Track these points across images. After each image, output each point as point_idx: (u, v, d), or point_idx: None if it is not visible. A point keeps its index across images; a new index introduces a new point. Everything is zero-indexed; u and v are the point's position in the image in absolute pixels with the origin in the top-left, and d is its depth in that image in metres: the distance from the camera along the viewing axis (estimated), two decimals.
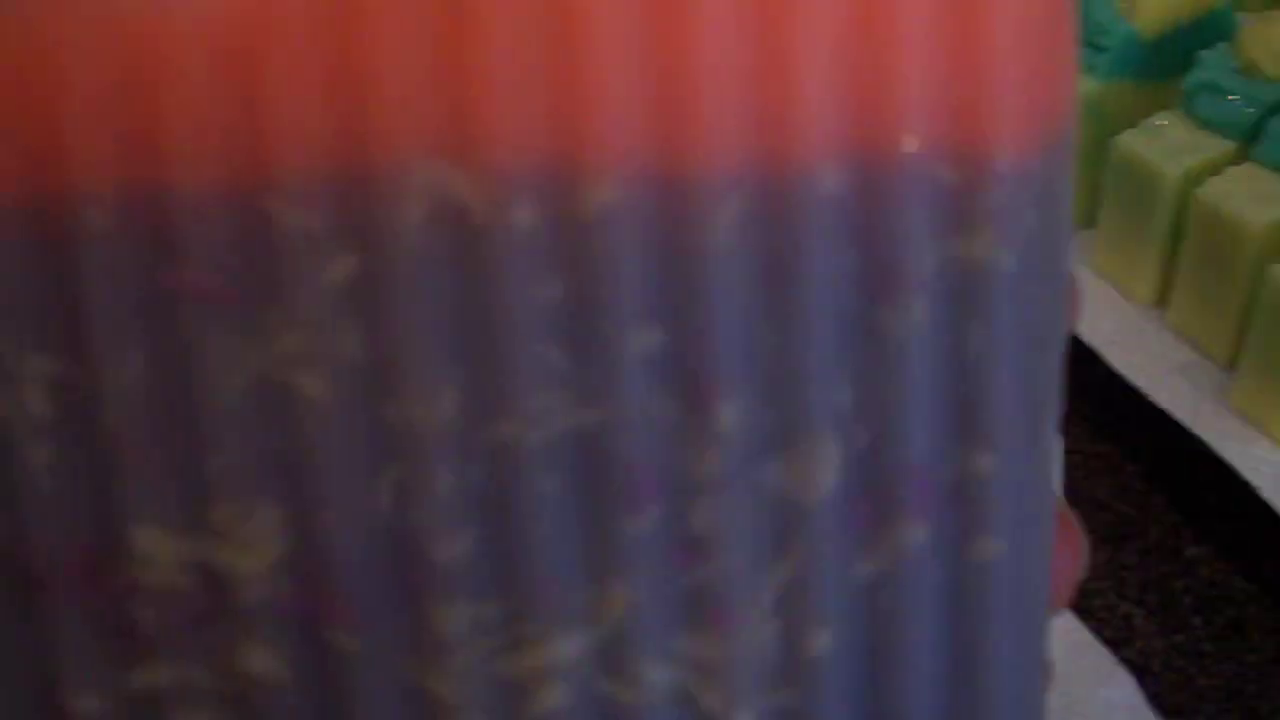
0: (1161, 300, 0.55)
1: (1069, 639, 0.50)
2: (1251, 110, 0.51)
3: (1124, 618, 0.63)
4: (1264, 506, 0.50)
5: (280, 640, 0.14)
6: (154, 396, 0.14)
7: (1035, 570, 0.16)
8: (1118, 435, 0.55)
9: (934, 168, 0.14)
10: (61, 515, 0.14)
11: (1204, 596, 0.64)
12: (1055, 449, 0.16)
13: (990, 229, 0.14)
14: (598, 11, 0.13)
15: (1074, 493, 0.53)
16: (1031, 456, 0.15)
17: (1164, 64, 0.56)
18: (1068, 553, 0.17)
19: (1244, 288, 0.50)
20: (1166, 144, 0.52)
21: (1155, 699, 0.51)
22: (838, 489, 0.15)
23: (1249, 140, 0.51)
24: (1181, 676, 0.58)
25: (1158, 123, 0.53)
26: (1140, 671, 0.55)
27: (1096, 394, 0.53)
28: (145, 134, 0.13)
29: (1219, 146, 0.52)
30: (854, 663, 0.15)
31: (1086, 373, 0.55)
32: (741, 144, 0.13)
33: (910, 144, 0.14)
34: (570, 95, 0.13)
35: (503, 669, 0.15)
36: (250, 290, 0.13)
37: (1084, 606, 0.63)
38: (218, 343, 0.13)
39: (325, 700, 0.15)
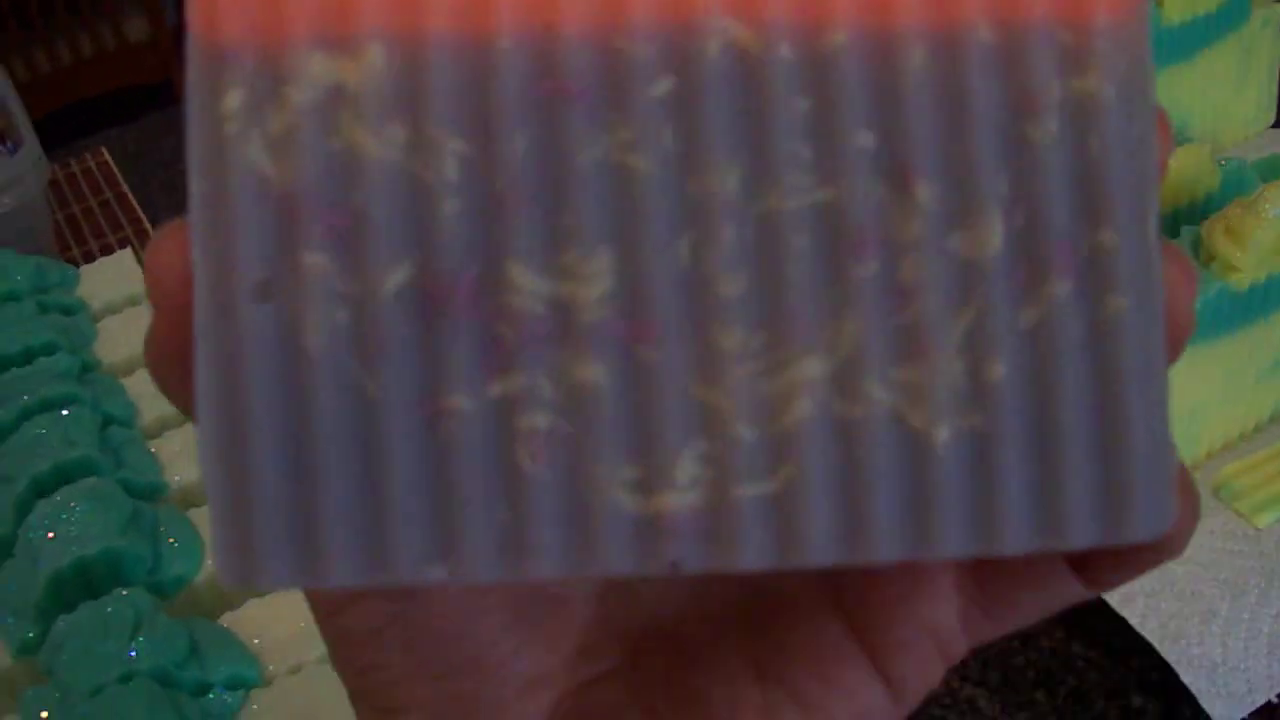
0: None
1: None
2: None
3: (967, 701, 0.62)
4: None
5: (604, 355, 0.19)
6: (530, 168, 0.19)
7: (1152, 319, 0.20)
8: None
9: (1054, 29, 0.20)
10: (459, 252, 0.19)
11: (1045, 669, 0.63)
12: (1156, 232, 0.20)
13: (1096, 70, 0.20)
14: None
15: None
16: (1141, 233, 0.20)
17: None
18: (1181, 280, 0.21)
19: None
20: None
21: None
22: (1003, 253, 0.20)
23: None
24: None
25: None
26: None
27: None
28: None
29: None
30: (1023, 391, 0.20)
31: None
32: (929, 11, 0.19)
33: (1038, 14, 0.20)
34: None
35: (763, 386, 0.20)
36: (602, 96, 0.19)
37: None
38: (577, 131, 0.19)
39: (633, 405, 0.20)
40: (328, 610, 0.23)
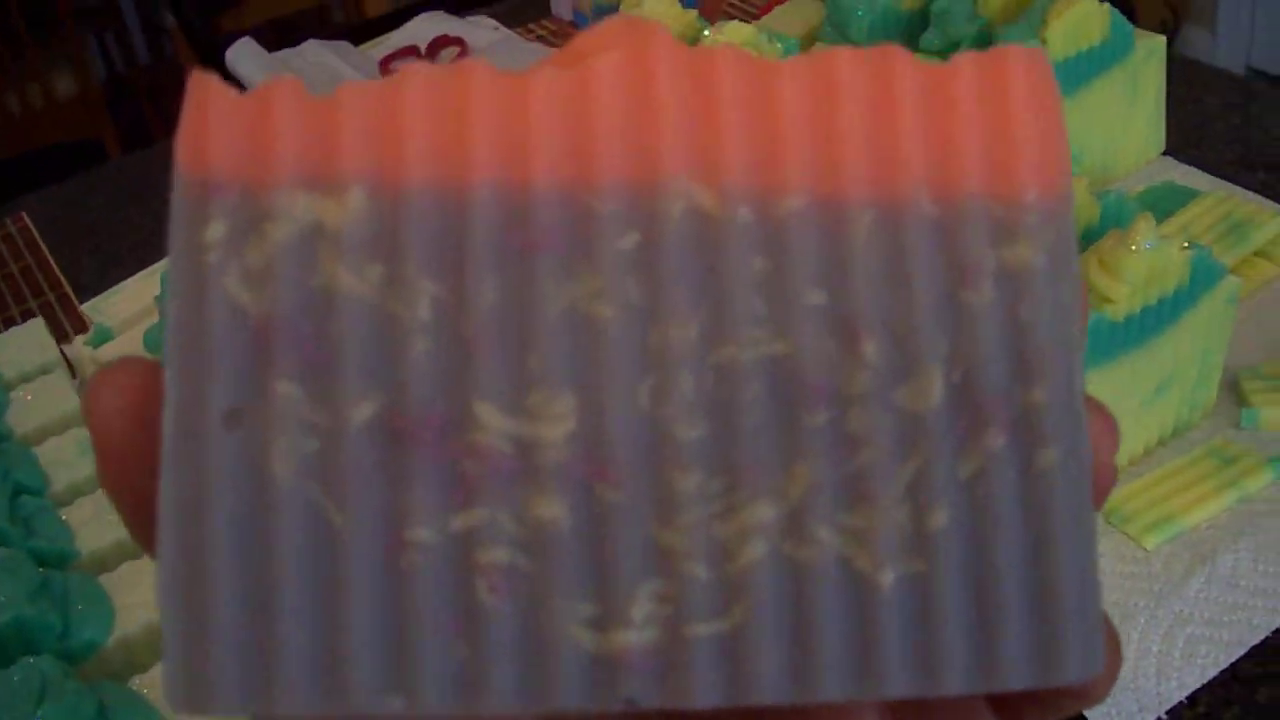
0: None
1: None
2: None
3: None
4: None
5: (565, 493, 0.20)
6: (499, 313, 0.20)
7: (1080, 471, 0.21)
8: None
9: (990, 205, 0.21)
10: (427, 389, 0.20)
11: None
12: (1081, 390, 0.21)
13: (1027, 240, 0.21)
14: (790, 108, 0.21)
15: None
16: (1068, 391, 0.21)
17: None
18: (1104, 433, 0.22)
19: None
20: None
21: None
22: (943, 408, 0.21)
23: None
24: None
25: None
26: None
27: None
28: (523, 150, 0.20)
29: None
30: (962, 539, 0.20)
31: None
32: (874, 183, 0.21)
33: (974, 190, 0.21)
34: (772, 148, 0.21)
35: (718, 528, 0.20)
36: (571, 248, 0.20)
37: None
38: (545, 280, 0.20)
39: (591, 543, 0.20)
40: None
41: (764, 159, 0.21)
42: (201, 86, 0.20)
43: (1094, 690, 0.22)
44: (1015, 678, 0.20)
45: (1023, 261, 0.21)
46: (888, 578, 0.20)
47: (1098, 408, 0.22)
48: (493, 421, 0.20)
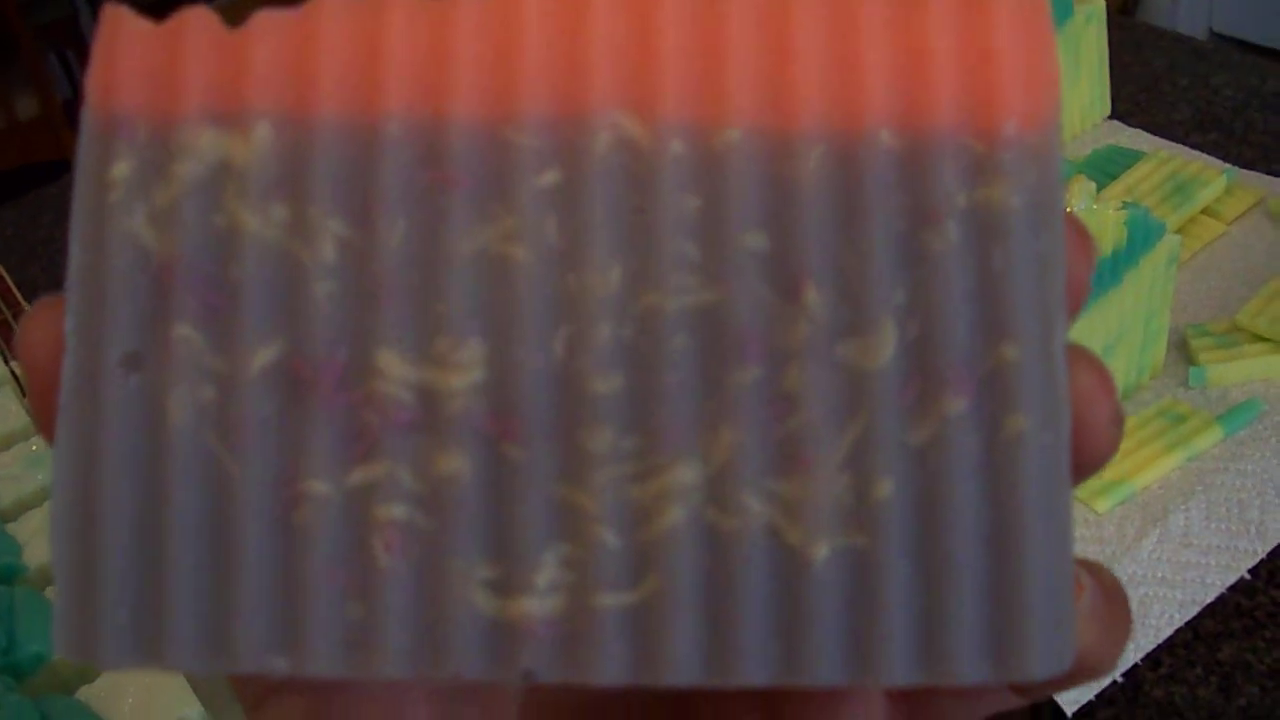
0: None
1: None
2: None
3: None
4: None
5: (468, 448, 0.19)
6: (408, 254, 0.19)
7: (1056, 443, 0.19)
8: None
9: (962, 137, 0.19)
10: (329, 335, 0.19)
11: None
12: (1062, 352, 0.19)
13: (1004, 181, 0.19)
14: (735, 31, 0.19)
15: None
16: (1046, 352, 0.19)
17: None
18: (1096, 392, 0.19)
19: None
20: None
21: None
22: (894, 366, 0.19)
23: None
24: None
25: None
26: None
27: None
28: (439, 82, 0.19)
29: None
30: (910, 513, 0.18)
31: None
32: (825, 111, 0.19)
33: (944, 121, 0.19)
34: (713, 76, 0.19)
35: (632, 491, 0.19)
36: (486, 186, 0.19)
37: None
38: (457, 220, 0.19)
39: (495, 502, 0.19)
40: (249, 704, 0.22)
41: (703, 87, 0.19)
42: (114, 19, 0.20)
43: (1102, 662, 0.21)
44: (965, 672, 0.18)
45: (996, 204, 0.19)
46: (820, 552, 0.18)
47: (1086, 358, 0.20)
48: (394, 370, 0.19)
